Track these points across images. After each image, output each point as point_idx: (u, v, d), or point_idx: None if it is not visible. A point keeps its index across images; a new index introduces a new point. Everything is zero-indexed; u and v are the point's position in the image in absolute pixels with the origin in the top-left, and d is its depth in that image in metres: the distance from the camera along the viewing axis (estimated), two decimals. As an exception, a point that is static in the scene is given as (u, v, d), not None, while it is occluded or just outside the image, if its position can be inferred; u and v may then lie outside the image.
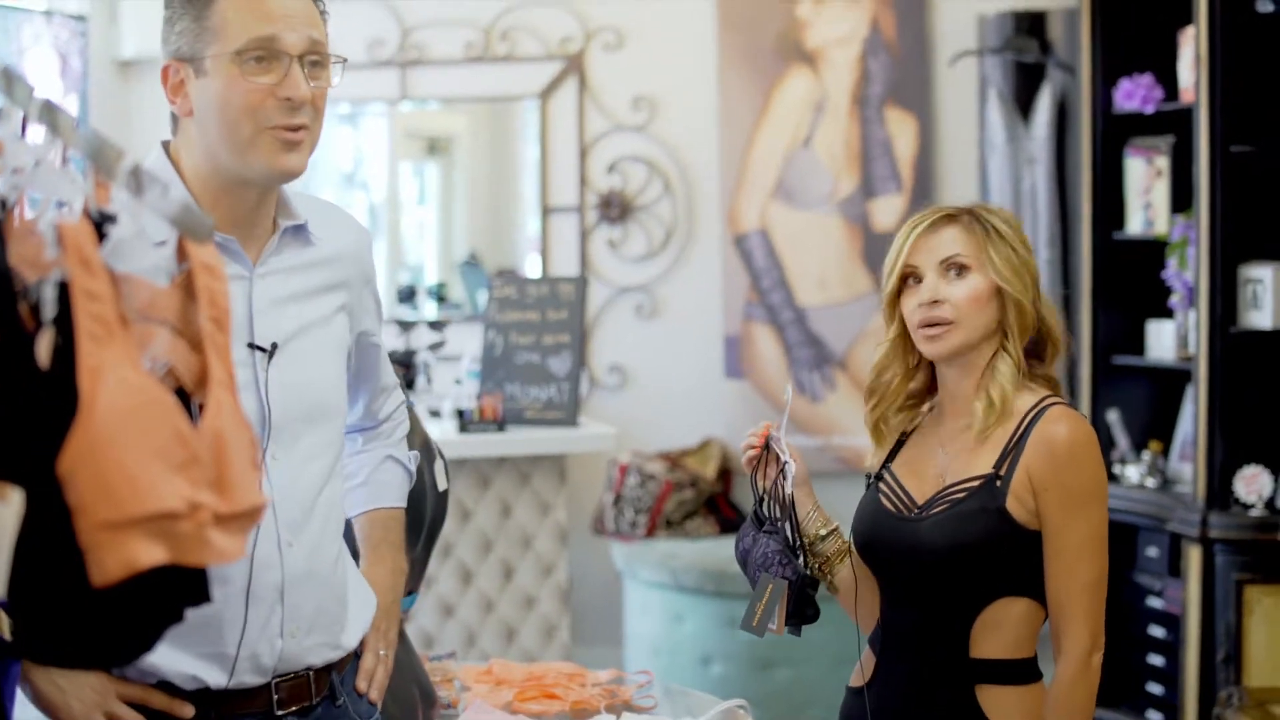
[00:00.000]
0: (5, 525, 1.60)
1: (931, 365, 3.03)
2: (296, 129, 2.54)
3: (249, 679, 2.59)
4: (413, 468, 3.05)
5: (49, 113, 1.73)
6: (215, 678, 2.56)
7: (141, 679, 2.53)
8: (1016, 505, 2.83)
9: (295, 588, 2.61)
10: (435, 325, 5.89)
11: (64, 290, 1.67)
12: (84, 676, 2.46)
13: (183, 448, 1.71)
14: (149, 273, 1.79)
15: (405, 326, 6.27)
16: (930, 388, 3.06)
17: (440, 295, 6.88)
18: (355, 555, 2.97)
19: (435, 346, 5.73)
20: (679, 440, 7.19)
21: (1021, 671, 2.88)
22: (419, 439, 3.48)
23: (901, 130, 7.10)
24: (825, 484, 7.02)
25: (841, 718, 3.07)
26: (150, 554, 1.66)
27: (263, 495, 1.83)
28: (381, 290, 3.10)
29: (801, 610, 2.86)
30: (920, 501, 2.92)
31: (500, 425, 5.96)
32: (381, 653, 2.90)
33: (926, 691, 2.89)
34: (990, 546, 2.82)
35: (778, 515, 2.93)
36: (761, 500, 3.04)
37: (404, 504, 3.01)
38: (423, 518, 3.49)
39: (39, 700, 2.47)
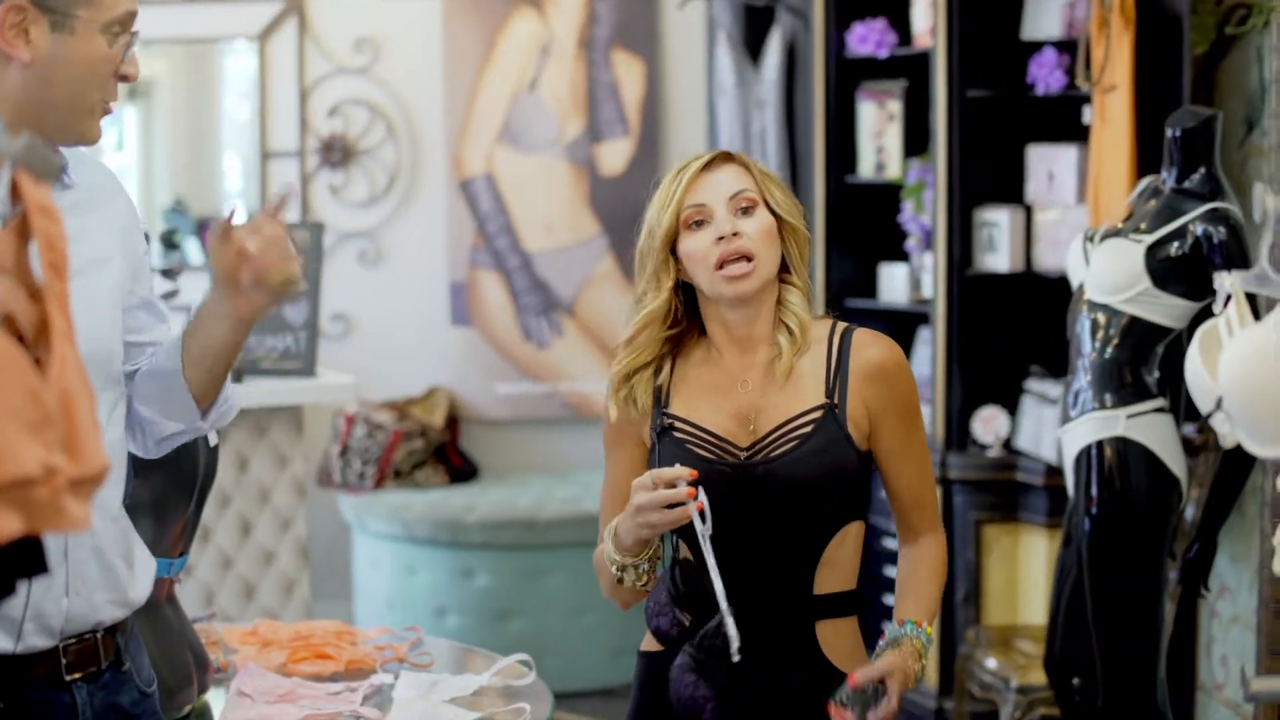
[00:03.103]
0: None
1: (692, 310, 2.94)
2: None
3: (36, 641, 2.47)
4: None
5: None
6: (2, 643, 2.44)
7: None
8: (854, 430, 2.83)
9: (78, 544, 2.51)
10: (167, 274, 5.65)
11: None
12: None
13: (35, 407, 1.56)
14: (-20, 216, 1.64)
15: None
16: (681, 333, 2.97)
17: (172, 243, 6.62)
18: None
19: (169, 296, 5.50)
20: (405, 389, 7.06)
21: (855, 602, 2.88)
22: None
23: (629, 73, 7.05)
24: (555, 431, 7.18)
25: (639, 684, 2.96)
26: (8, 524, 1.52)
27: (107, 456, 1.69)
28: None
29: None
30: (746, 444, 2.84)
31: (237, 376, 5.74)
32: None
33: (766, 638, 2.81)
34: (846, 473, 2.82)
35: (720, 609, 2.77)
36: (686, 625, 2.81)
37: None
38: (195, 476, 3.35)
39: None
